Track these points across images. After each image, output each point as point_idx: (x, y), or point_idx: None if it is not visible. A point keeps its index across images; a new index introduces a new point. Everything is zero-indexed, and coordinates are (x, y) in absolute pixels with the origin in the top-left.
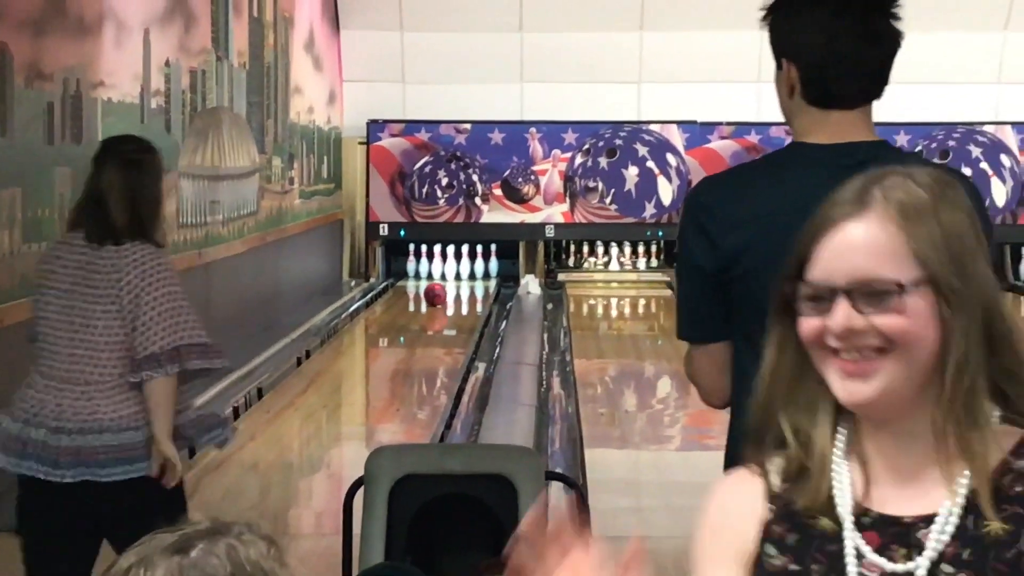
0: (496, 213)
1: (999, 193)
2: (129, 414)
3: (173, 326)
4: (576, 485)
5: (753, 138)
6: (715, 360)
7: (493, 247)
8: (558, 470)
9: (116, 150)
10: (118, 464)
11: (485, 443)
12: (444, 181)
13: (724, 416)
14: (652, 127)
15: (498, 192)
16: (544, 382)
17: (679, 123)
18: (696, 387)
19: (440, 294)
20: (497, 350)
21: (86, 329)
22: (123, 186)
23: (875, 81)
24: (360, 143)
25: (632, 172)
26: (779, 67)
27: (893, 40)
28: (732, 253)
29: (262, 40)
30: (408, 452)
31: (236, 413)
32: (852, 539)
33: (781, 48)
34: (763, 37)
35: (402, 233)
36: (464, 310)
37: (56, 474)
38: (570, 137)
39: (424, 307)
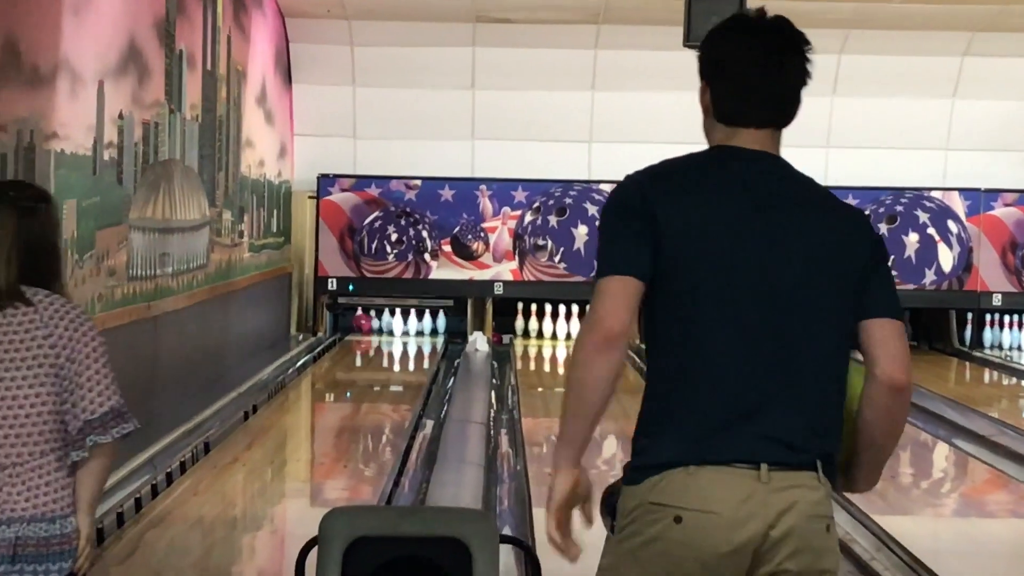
0: (445, 269)
1: (946, 259)
2: (63, 496)
3: (114, 382)
4: (529, 549)
5: None
6: (628, 291)
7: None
8: (507, 530)
9: (8, 198)
10: (53, 560)
11: (439, 506)
12: (394, 237)
13: None
14: (602, 187)
15: (447, 248)
16: (492, 440)
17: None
18: (595, 314)
19: (364, 324)
20: (445, 407)
21: (5, 403)
22: (20, 236)
23: (780, 108)
24: (310, 197)
25: (582, 231)
26: (701, 87)
27: (800, 75)
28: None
29: (215, 93)
30: (363, 514)
31: (183, 467)
32: None
33: (702, 69)
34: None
35: (350, 287)
36: (411, 366)
37: None
38: (520, 195)
39: (372, 362)
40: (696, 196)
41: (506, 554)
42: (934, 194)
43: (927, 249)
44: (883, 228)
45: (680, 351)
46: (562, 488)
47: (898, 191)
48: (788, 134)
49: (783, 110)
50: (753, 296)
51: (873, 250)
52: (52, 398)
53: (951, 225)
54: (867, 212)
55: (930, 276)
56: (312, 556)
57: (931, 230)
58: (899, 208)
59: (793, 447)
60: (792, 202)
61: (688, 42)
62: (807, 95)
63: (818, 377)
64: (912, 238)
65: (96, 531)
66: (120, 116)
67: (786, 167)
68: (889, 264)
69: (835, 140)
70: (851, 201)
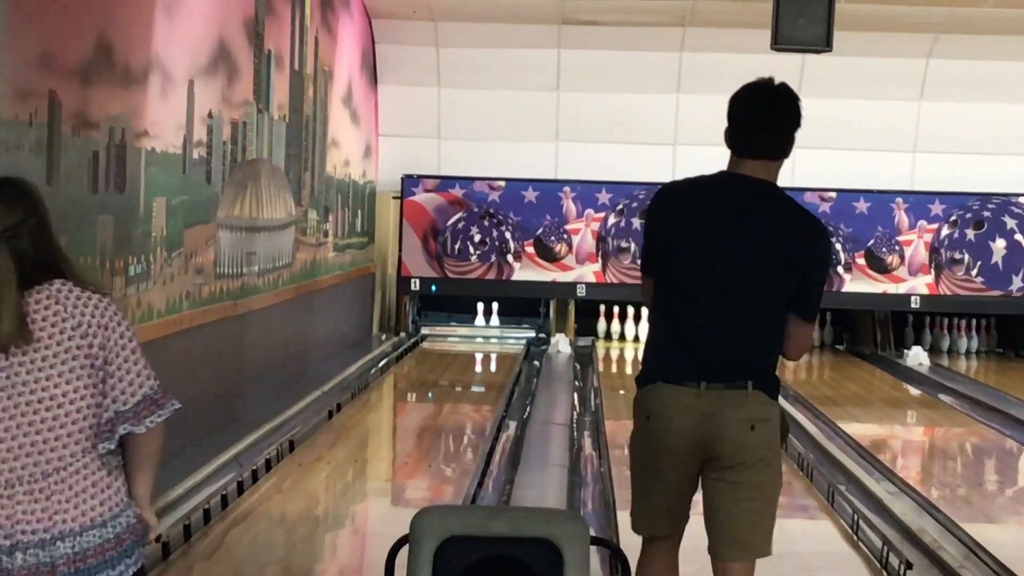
0: (528, 271)
1: None
2: (111, 495)
3: (146, 367)
4: (619, 550)
5: None
6: (648, 286)
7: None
8: (593, 532)
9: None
10: (113, 564)
11: (530, 506)
12: (477, 237)
13: None
14: None
15: (530, 250)
16: (575, 442)
17: None
18: (644, 296)
19: None
20: (528, 409)
21: (41, 404)
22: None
23: (774, 145)
24: (394, 197)
25: None
26: (725, 130)
27: (793, 120)
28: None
29: (302, 93)
30: (454, 513)
31: (268, 465)
32: None
33: (727, 114)
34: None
35: (433, 288)
36: (493, 367)
37: None
38: (604, 197)
39: (454, 363)
40: (694, 204)
41: (592, 556)
42: (1022, 199)
43: (1015, 255)
44: (970, 234)
45: (662, 311)
46: None
47: (985, 196)
48: (875, 139)
49: (774, 147)
50: (713, 276)
51: (813, 264)
52: (90, 391)
53: None
54: (953, 217)
55: (1017, 283)
56: (402, 554)
57: (1018, 236)
58: (986, 213)
59: (725, 373)
60: (762, 215)
61: (776, 44)
62: (894, 99)
63: (752, 332)
64: (999, 244)
65: (183, 528)
66: (209, 115)
67: (771, 189)
68: (823, 276)
69: (922, 144)
70: (938, 206)
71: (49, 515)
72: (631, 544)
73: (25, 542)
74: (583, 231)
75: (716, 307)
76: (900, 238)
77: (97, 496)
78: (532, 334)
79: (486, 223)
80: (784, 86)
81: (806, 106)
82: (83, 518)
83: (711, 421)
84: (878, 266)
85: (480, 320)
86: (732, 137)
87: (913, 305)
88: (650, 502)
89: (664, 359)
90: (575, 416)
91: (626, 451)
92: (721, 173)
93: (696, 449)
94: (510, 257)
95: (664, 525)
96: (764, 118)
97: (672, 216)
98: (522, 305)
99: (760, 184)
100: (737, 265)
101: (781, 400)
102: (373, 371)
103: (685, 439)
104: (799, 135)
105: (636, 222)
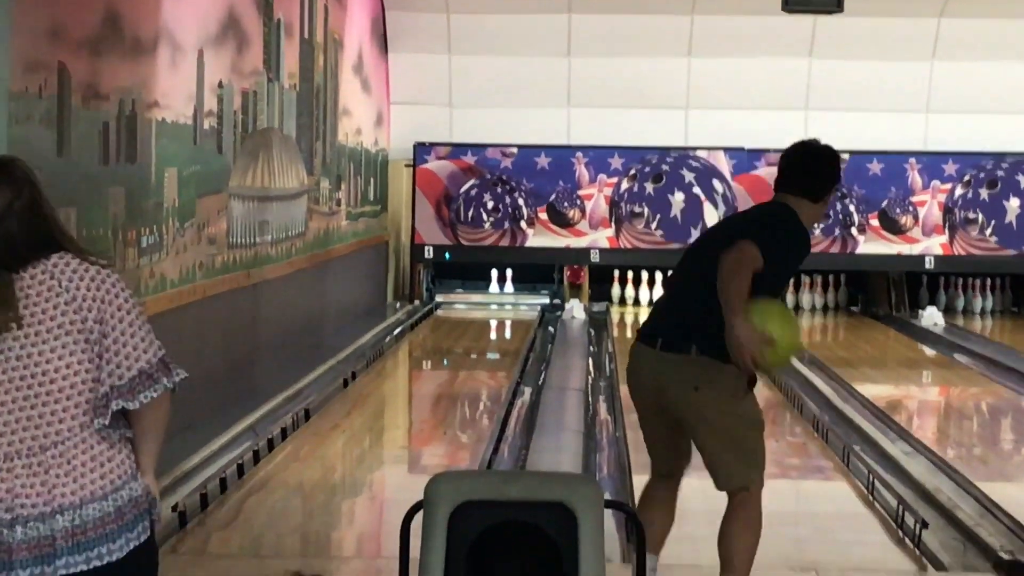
0: (541, 237)
1: None
2: (112, 468)
3: (145, 340)
4: (634, 513)
5: None
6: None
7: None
8: (608, 496)
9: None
10: (113, 538)
11: (544, 471)
12: (490, 204)
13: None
14: (699, 153)
15: (543, 216)
16: (591, 407)
17: (727, 150)
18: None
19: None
20: (543, 375)
21: (35, 379)
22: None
23: (808, 186)
24: (407, 165)
25: (678, 198)
26: None
27: (829, 169)
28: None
29: (312, 62)
30: (468, 478)
31: (284, 434)
32: None
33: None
34: (810, 65)
35: (447, 256)
36: (508, 334)
37: None
38: (616, 162)
39: (468, 330)
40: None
41: (607, 520)
42: None
43: None
44: (983, 193)
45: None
46: (747, 332)
47: (999, 155)
48: (887, 100)
49: (808, 185)
50: (683, 263)
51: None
52: (85, 366)
53: None
54: (967, 177)
55: None
56: (417, 520)
57: None
58: (1000, 173)
59: (673, 340)
60: (730, 217)
61: (788, 6)
62: (906, 60)
63: (701, 306)
64: (1013, 203)
65: (200, 497)
66: (220, 85)
67: (764, 207)
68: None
69: (935, 105)
70: (951, 166)
71: (48, 488)
72: None
73: (25, 515)
74: (596, 196)
75: (680, 285)
76: (914, 199)
77: (96, 470)
78: (546, 300)
79: (499, 190)
80: (810, 143)
81: (817, 68)
82: (82, 491)
83: (664, 379)
84: (892, 227)
85: (494, 287)
86: (777, 176)
87: (927, 266)
88: (643, 432)
89: (644, 324)
90: (590, 381)
91: None
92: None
93: (657, 399)
94: (523, 224)
95: (657, 461)
96: (800, 163)
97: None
98: (536, 271)
99: (766, 207)
100: (697, 254)
101: (796, 362)
102: (388, 339)
103: (651, 390)
104: (811, 96)
105: (649, 187)
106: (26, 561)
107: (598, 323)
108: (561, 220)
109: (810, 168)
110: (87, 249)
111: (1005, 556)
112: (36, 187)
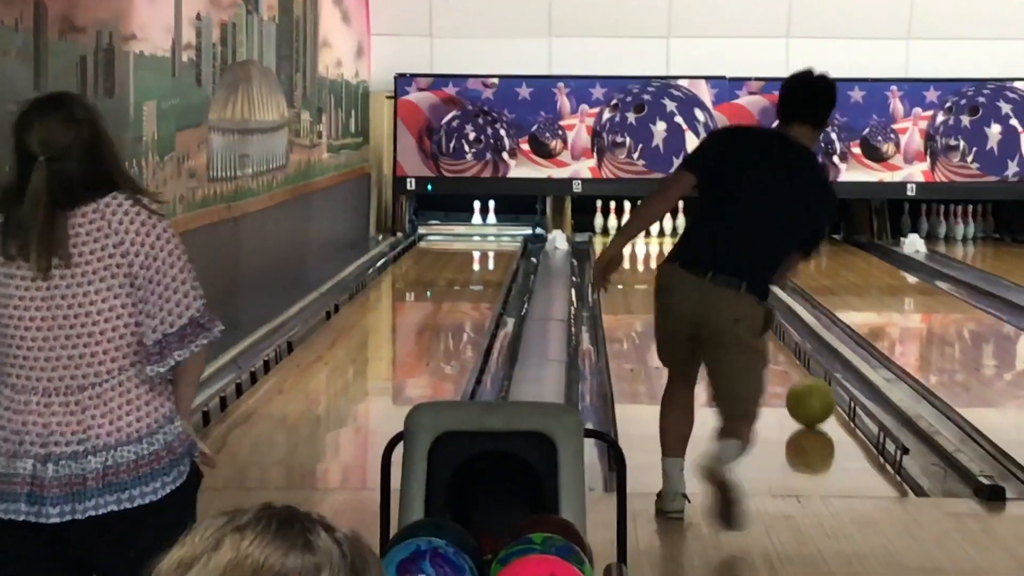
0: (523, 168)
1: None
2: (149, 412)
3: (194, 288)
4: (614, 443)
5: None
6: (684, 186)
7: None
8: (589, 426)
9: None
10: (146, 481)
11: (524, 400)
12: (471, 136)
13: None
14: (681, 82)
15: (525, 147)
16: (573, 338)
17: (708, 78)
18: (661, 189)
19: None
20: (525, 306)
21: (77, 319)
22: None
23: (812, 115)
24: (388, 97)
25: (660, 128)
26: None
27: (829, 99)
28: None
29: None
30: (448, 409)
31: (267, 367)
32: None
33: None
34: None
35: (429, 188)
36: (491, 265)
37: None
38: (598, 92)
39: (451, 262)
40: (756, 145)
41: (589, 450)
42: (1017, 84)
43: (1009, 140)
44: (965, 120)
45: (706, 216)
46: (612, 253)
47: (980, 82)
48: (867, 27)
49: (812, 115)
50: (756, 207)
51: (824, 225)
52: (129, 310)
53: None
54: (948, 104)
55: (1012, 168)
56: (398, 450)
57: (1013, 121)
58: (981, 99)
59: (729, 274)
60: (808, 180)
61: None
62: None
63: (763, 253)
64: (994, 129)
65: None
66: (198, 17)
67: (801, 150)
68: (826, 231)
69: (916, 31)
70: (933, 93)
71: (84, 428)
72: (628, 437)
73: (58, 453)
74: (578, 127)
75: (748, 229)
76: (895, 126)
77: (133, 413)
78: (529, 231)
79: (480, 121)
80: (820, 75)
81: None
82: (118, 433)
83: (707, 305)
84: (874, 155)
85: (477, 218)
86: (780, 108)
87: (909, 193)
88: (665, 347)
89: (695, 254)
90: (573, 312)
91: (624, 345)
92: (771, 132)
93: (693, 323)
94: (505, 155)
95: (676, 367)
96: (808, 94)
97: (738, 148)
98: (519, 203)
99: (803, 150)
100: (776, 207)
101: (778, 290)
102: (371, 271)
103: (688, 315)
104: (791, 24)
105: (631, 116)
106: (57, 498)
107: (581, 253)
108: (543, 151)
109: (816, 98)
110: (141, 188)
111: (985, 481)
112: (96, 124)
